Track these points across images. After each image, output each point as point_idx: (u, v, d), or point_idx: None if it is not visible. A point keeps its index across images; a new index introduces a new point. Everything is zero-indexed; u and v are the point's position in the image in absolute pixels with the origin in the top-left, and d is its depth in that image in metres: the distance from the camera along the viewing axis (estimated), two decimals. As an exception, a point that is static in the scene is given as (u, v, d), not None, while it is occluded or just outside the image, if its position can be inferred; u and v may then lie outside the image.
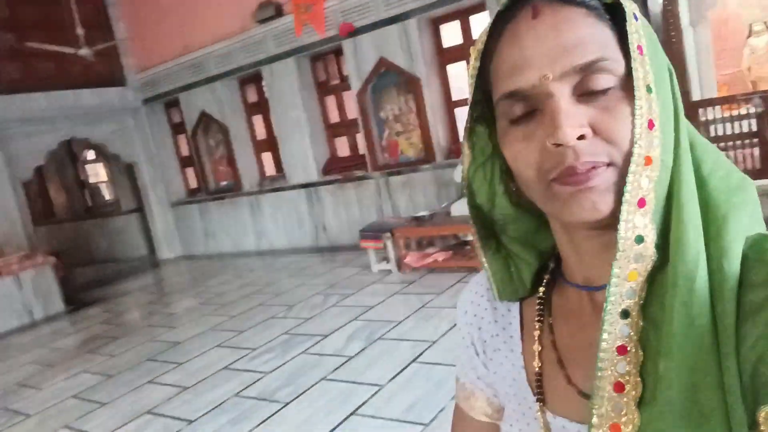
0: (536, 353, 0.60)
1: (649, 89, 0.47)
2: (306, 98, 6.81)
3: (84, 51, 6.48)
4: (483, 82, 0.55)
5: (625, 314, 0.47)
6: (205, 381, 3.65)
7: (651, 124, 0.47)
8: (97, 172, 11.35)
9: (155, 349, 4.56)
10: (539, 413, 0.57)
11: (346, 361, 3.49)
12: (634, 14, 0.48)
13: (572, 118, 0.47)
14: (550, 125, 0.47)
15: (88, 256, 10.33)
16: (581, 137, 0.47)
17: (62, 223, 10.95)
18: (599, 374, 0.48)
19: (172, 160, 8.72)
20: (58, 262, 6.75)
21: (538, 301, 0.62)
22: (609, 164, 0.47)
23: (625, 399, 0.46)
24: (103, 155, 9.88)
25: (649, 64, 0.48)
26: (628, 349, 0.47)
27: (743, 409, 0.42)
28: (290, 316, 4.68)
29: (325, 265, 6.32)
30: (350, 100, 6.60)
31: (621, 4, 0.49)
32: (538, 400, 0.58)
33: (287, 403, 3.07)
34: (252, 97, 7.70)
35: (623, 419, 0.46)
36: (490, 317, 0.67)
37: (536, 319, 0.61)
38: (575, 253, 0.56)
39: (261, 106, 7.57)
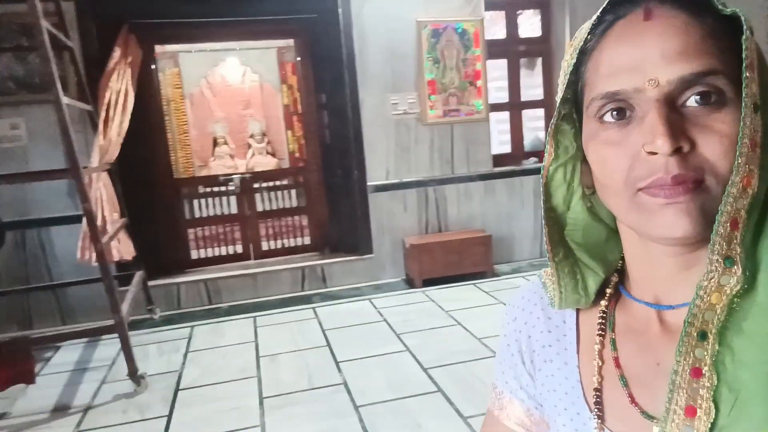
0: (596, 368, 0.58)
1: (756, 108, 0.44)
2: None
3: None
4: (575, 79, 0.54)
5: (702, 336, 0.46)
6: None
7: (753, 145, 0.44)
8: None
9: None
10: (596, 430, 0.56)
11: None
12: (750, 29, 0.45)
13: (674, 128, 0.45)
14: (650, 132, 0.46)
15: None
16: (679, 149, 0.45)
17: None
18: (670, 396, 0.46)
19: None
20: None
21: (599, 315, 0.60)
22: (701, 182, 0.46)
23: (696, 424, 0.45)
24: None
25: (758, 83, 0.45)
26: (704, 372, 0.45)
27: None
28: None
29: None
30: None
31: (738, 18, 0.46)
32: (596, 417, 0.56)
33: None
34: None
35: None
36: (543, 326, 0.65)
37: (597, 333, 0.59)
38: (649, 269, 0.54)
39: None
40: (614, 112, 0.49)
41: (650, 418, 0.51)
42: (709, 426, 0.44)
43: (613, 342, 0.58)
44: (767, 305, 0.44)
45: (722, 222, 0.44)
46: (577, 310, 0.63)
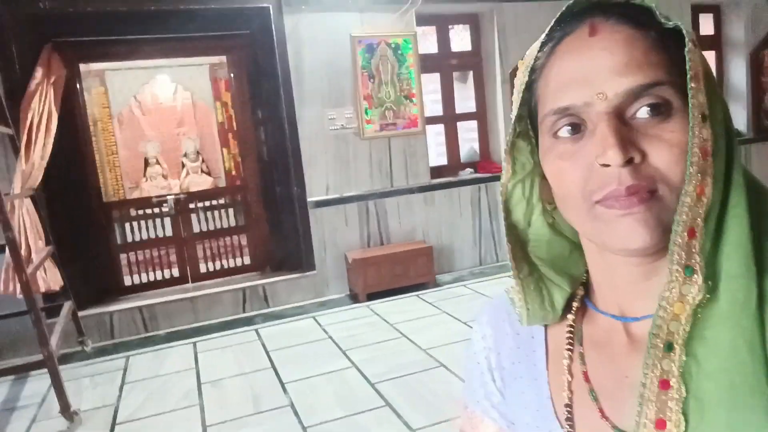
0: (566, 383, 0.57)
1: (704, 118, 0.45)
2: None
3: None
4: (529, 97, 0.55)
5: (669, 347, 0.45)
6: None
7: (705, 154, 0.45)
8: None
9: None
10: None
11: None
12: (693, 42, 0.46)
13: (624, 140, 0.46)
14: (600, 144, 0.46)
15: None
16: (631, 160, 0.46)
17: None
18: (639, 409, 0.46)
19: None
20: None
21: (567, 330, 0.59)
22: (655, 192, 0.46)
23: None
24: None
25: (705, 93, 0.45)
26: (671, 384, 0.45)
27: None
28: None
29: None
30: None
31: (681, 31, 0.47)
32: None
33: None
34: None
35: None
36: (512, 343, 0.64)
37: (566, 347, 0.59)
38: (610, 281, 0.55)
39: None
40: (568, 127, 0.50)
41: (620, 431, 0.51)
42: None
43: (582, 356, 0.57)
44: (729, 314, 0.44)
45: (679, 231, 0.45)
46: (546, 326, 0.62)
